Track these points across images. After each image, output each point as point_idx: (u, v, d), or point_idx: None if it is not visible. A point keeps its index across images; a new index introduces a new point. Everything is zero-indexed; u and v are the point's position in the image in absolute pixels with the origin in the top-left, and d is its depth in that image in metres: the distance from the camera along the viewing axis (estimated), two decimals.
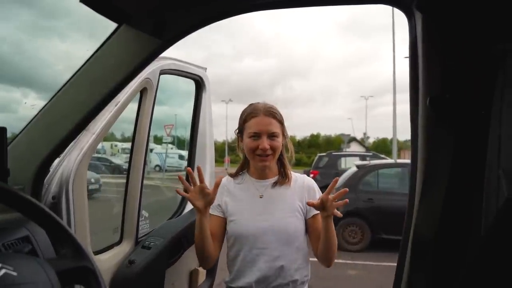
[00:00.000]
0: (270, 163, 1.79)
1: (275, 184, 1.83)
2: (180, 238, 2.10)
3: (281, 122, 1.80)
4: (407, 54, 1.30)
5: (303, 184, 1.85)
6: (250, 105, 1.84)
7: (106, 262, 1.82)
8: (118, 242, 1.98)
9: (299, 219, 1.79)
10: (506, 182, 1.04)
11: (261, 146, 1.73)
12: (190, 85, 2.59)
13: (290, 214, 1.78)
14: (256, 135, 1.75)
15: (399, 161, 10.82)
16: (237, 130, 1.87)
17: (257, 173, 1.86)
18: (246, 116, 1.79)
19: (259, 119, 1.75)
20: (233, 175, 1.92)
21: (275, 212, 1.78)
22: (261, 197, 1.82)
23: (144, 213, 2.15)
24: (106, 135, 1.84)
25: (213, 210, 1.83)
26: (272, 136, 1.75)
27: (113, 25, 1.42)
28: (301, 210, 1.80)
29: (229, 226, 1.82)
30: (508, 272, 0.79)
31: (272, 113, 1.77)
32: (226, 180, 1.91)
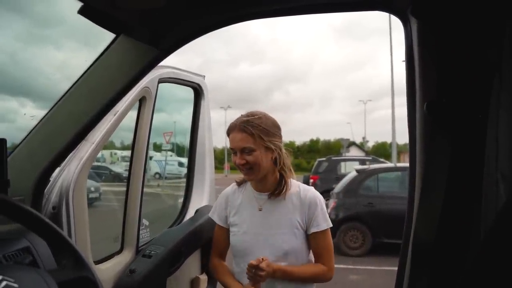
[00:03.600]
0: (255, 177, 1.78)
1: (271, 195, 1.81)
2: (181, 247, 2.10)
3: (258, 135, 1.72)
4: (404, 58, 1.31)
5: (305, 198, 1.79)
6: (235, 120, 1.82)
7: (107, 272, 1.82)
8: (119, 251, 1.97)
9: (297, 235, 1.77)
10: (505, 185, 1.04)
11: (237, 161, 1.74)
12: (189, 92, 2.59)
13: (287, 231, 1.76)
14: (233, 151, 1.76)
15: (398, 165, 10.81)
16: None
17: (257, 185, 1.85)
18: (227, 132, 1.80)
19: (233, 135, 1.75)
20: (239, 184, 1.94)
21: (273, 227, 1.77)
22: (260, 210, 1.81)
23: (145, 221, 2.15)
24: (106, 144, 1.84)
25: (221, 222, 1.92)
26: (248, 151, 1.72)
27: (108, 32, 1.42)
28: (300, 226, 1.77)
29: (230, 237, 1.88)
30: (508, 275, 0.79)
31: (244, 128, 1.72)
32: (231, 189, 1.94)
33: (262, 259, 1.64)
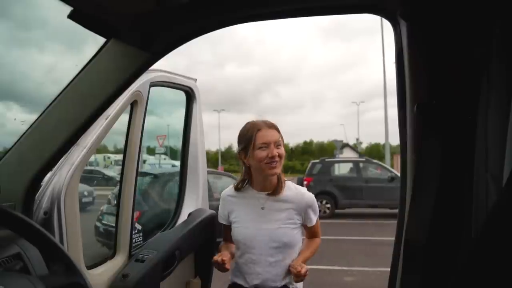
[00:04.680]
0: (278, 170, 1.98)
1: (272, 193, 2.01)
2: (174, 250, 2.09)
3: (280, 133, 2.00)
4: (394, 60, 1.32)
5: (302, 199, 2.02)
6: (248, 123, 2.02)
7: (100, 277, 1.81)
8: (112, 256, 1.96)
9: (294, 229, 2.01)
10: (494, 186, 1.05)
11: (271, 154, 1.91)
12: (182, 94, 2.59)
13: (286, 225, 1.99)
14: (265, 145, 1.93)
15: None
16: (241, 148, 2.00)
17: (260, 186, 2.04)
18: (251, 132, 1.97)
19: (264, 132, 1.95)
20: (237, 189, 2.10)
21: (274, 222, 1.99)
22: (262, 209, 2.01)
23: (137, 225, 2.14)
24: (99, 147, 1.84)
25: (226, 222, 2.12)
26: (277, 145, 1.95)
27: (93, 35, 1.41)
28: (297, 221, 2.02)
29: (233, 231, 2.06)
30: (499, 275, 0.80)
31: (273, 126, 2.00)
32: (229, 190, 2.14)
33: (298, 271, 1.87)
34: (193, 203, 2.54)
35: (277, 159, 1.93)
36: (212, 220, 2.36)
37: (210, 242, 2.40)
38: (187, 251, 2.24)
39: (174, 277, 2.15)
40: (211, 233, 2.39)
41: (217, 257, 1.94)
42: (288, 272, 1.97)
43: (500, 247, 0.78)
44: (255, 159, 1.95)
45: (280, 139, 1.98)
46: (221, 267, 1.93)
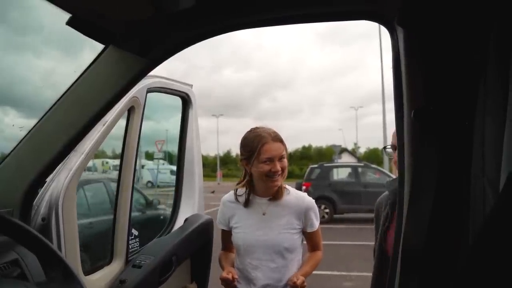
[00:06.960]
0: (280, 183, 1.98)
1: (273, 199, 2.01)
2: (171, 256, 2.09)
3: (285, 144, 1.98)
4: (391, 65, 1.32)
5: (302, 204, 2.02)
6: (252, 132, 1.99)
7: (97, 283, 1.80)
8: (109, 262, 1.96)
9: (294, 235, 2.00)
10: (492, 190, 1.05)
11: (274, 169, 1.91)
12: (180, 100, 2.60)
13: (287, 231, 1.98)
14: (269, 160, 1.91)
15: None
16: (244, 157, 1.99)
17: (261, 191, 2.03)
18: (257, 144, 1.93)
19: (270, 145, 1.92)
20: (239, 195, 2.07)
21: (274, 228, 1.98)
22: (264, 214, 2.01)
23: (134, 231, 2.14)
24: (97, 153, 1.84)
25: (226, 227, 2.09)
26: (281, 158, 1.94)
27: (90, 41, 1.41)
28: (297, 227, 2.01)
29: (233, 236, 2.04)
30: (498, 280, 0.80)
31: (278, 138, 1.96)
32: (229, 196, 2.12)
33: (294, 282, 1.85)
34: (190, 208, 2.53)
35: (279, 172, 1.93)
36: (208, 226, 2.36)
37: (207, 247, 2.40)
38: (184, 256, 2.24)
39: (171, 283, 2.14)
40: (208, 238, 2.39)
41: (226, 274, 1.89)
42: (286, 277, 1.94)
43: (498, 251, 0.78)
44: (257, 171, 1.93)
45: (284, 151, 1.96)
46: (231, 285, 1.89)
